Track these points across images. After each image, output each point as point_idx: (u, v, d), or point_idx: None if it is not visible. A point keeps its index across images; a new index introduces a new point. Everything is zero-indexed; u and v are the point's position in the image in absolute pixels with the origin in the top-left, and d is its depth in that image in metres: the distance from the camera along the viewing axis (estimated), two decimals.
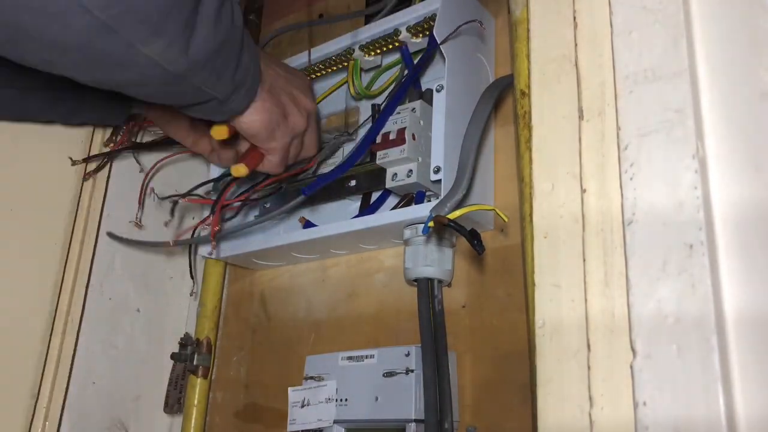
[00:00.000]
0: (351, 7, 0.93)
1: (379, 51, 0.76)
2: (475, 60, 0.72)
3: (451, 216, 0.55)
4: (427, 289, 0.67)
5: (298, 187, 0.82)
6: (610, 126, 0.43)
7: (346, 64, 0.79)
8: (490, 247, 0.69)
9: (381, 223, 0.69)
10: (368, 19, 0.86)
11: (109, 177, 0.86)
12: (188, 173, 0.90)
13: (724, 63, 0.40)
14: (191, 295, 0.88)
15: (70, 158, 0.83)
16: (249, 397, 0.87)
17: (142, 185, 0.82)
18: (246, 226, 0.78)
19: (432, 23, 0.69)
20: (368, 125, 0.79)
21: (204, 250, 0.85)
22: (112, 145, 0.84)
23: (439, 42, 0.66)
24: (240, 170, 0.67)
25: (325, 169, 0.81)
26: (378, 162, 0.70)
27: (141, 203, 0.83)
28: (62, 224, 0.82)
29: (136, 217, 0.83)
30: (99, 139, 0.85)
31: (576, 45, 0.47)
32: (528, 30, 0.50)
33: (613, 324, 0.40)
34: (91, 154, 0.84)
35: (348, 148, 0.81)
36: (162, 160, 0.83)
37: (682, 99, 0.40)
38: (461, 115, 0.67)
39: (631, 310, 0.38)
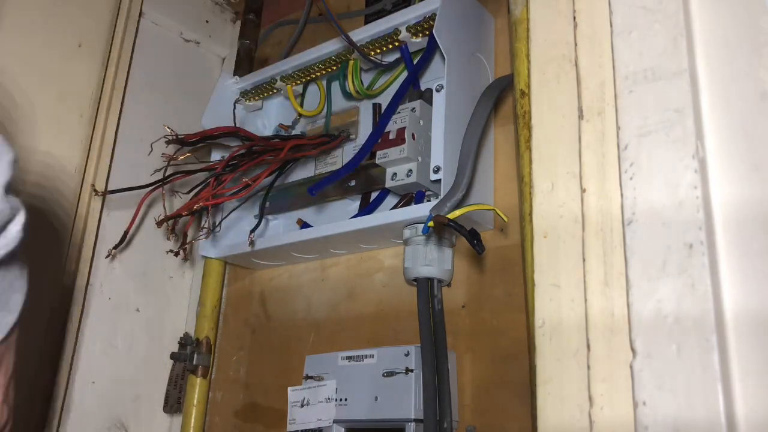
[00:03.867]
0: (351, 7, 0.93)
1: (379, 51, 0.76)
2: (475, 60, 0.72)
3: (451, 216, 0.55)
4: (426, 288, 0.67)
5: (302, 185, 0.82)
6: (610, 126, 0.43)
7: (346, 58, 0.79)
8: (490, 247, 0.69)
9: (380, 222, 0.69)
10: (368, 18, 0.86)
11: (108, 175, 0.86)
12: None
13: (724, 63, 0.40)
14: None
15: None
16: (249, 396, 0.87)
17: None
18: None
19: (432, 23, 0.69)
20: (369, 125, 0.80)
21: (204, 250, 0.85)
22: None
23: (439, 42, 0.66)
24: None
25: (326, 169, 0.81)
26: (378, 162, 0.70)
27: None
28: (62, 223, 0.82)
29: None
30: (97, 143, 0.85)
31: (576, 45, 0.47)
32: (528, 30, 0.50)
33: (613, 324, 0.40)
34: (90, 154, 0.84)
35: (347, 149, 0.81)
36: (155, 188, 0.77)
37: (681, 99, 0.40)
38: (461, 115, 0.67)
39: (630, 310, 0.38)
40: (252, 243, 0.77)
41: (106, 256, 0.84)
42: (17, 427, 0.75)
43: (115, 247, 0.80)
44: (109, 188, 0.85)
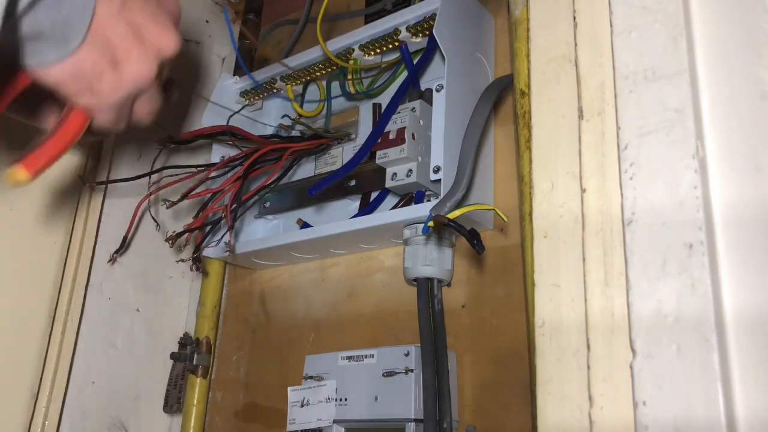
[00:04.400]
0: (351, 6, 0.93)
1: (378, 51, 0.76)
2: (475, 60, 0.72)
3: (451, 216, 0.55)
4: (426, 288, 0.67)
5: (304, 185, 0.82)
6: (609, 126, 0.43)
7: (344, 62, 0.79)
8: (490, 247, 0.69)
9: (380, 222, 0.69)
10: (368, 18, 0.86)
11: (108, 176, 0.86)
12: None
13: (724, 63, 0.40)
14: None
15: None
16: (249, 396, 0.87)
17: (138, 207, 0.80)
18: None
19: (432, 23, 0.69)
20: (369, 125, 0.80)
21: (204, 250, 0.85)
22: None
23: (439, 42, 0.66)
24: (16, 175, 0.44)
25: (326, 169, 0.81)
26: (378, 162, 0.70)
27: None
28: (62, 224, 0.82)
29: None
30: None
31: (576, 45, 0.47)
32: (528, 30, 0.51)
33: (613, 324, 0.40)
34: (90, 153, 0.84)
35: (347, 149, 0.81)
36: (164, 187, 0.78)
37: (681, 99, 0.40)
38: (461, 114, 0.67)
39: (630, 310, 0.38)
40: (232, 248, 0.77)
41: (108, 261, 0.84)
42: (14, 427, 0.75)
43: (116, 252, 0.81)
44: (109, 189, 0.85)
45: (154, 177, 0.76)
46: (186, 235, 0.75)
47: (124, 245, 0.82)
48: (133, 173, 0.86)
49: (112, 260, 0.84)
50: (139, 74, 0.47)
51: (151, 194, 0.76)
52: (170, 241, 0.74)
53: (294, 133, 0.87)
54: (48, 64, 0.43)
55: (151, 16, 0.47)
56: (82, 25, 0.43)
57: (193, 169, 0.76)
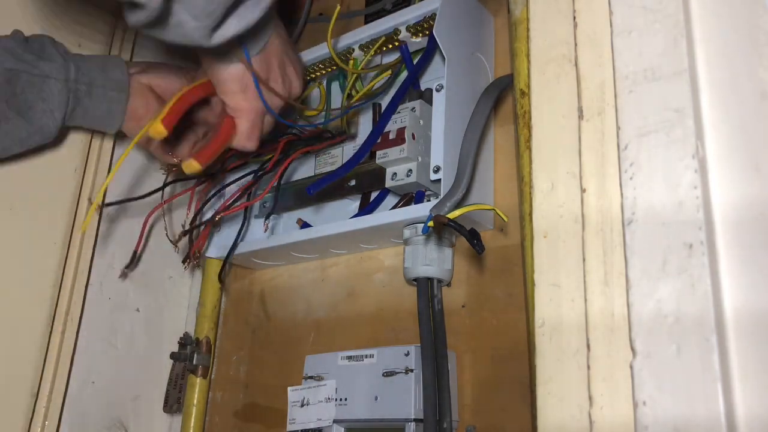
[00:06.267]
0: (351, 6, 0.93)
1: (378, 51, 0.76)
2: (474, 60, 0.72)
3: (451, 215, 0.55)
4: (426, 288, 0.67)
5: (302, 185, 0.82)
6: (609, 126, 0.43)
7: (344, 65, 0.79)
8: (490, 247, 0.69)
9: (380, 222, 0.69)
10: (368, 18, 0.86)
11: (108, 176, 0.86)
12: None
13: (724, 63, 0.40)
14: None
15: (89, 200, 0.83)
16: (249, 396, 0.87)
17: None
18: None
19: (432, 23, 0.69)
20: (369, 125, 0.80)
21: (211, 251, 0.85)
22: None
23: (439, 41, 0.66)
24: (192, 166, 0.61)
25: (325, 168, 0.81)
26: (378, 161, 0.70)
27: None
28: (62, 223, 0.82)
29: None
30: (97, 143, 0.85)
31: (576, 45, 0.47)
32: (528, 29, 0.51)
33: (613, 324, 0.40)
34: (90, 154, 0.84)
35: (347, 149, 0.81)
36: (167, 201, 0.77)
37: (681, 99, 0.40)
38: (461, 114, 0.67)
39: (630, 310, 0.38)
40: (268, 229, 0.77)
41: (119, 276, 0.86)
42: (14, 427, 0.75)
43: (126, 267, 0.83)
44: (110, 191, 0.85)
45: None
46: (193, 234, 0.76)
47: (134, 260, 0.83)
48: (135, 174, 0.86)
49: (124, 275, 0.86)
50: (285, 91, 0.65)
51: (157, 208, 0.76)
52: (177, 247, 0.75)
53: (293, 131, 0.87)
54: (240, 60, 0.59)
55: (292, 63, 0.67)
56: (265, 36, 0.61)
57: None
